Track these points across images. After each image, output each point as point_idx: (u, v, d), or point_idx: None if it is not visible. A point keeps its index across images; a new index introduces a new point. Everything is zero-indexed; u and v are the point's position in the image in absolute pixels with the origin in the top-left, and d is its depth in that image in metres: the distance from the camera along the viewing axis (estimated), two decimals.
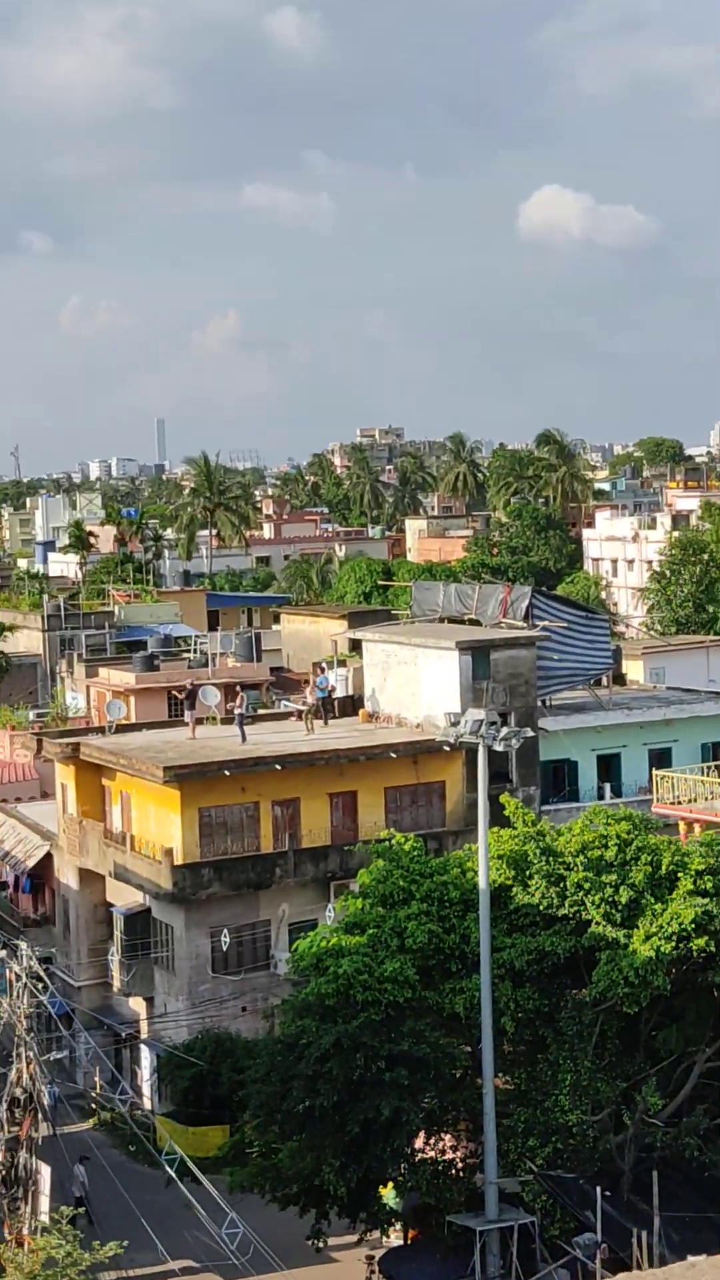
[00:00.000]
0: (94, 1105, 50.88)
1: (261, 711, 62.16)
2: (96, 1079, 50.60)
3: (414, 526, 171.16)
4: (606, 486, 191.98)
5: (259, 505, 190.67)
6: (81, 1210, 40.55)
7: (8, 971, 34.82)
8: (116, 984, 52.60)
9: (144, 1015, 52.10)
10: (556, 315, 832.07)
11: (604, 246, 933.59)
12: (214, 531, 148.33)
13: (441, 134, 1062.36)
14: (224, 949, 48.81)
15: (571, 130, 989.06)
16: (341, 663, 62.99)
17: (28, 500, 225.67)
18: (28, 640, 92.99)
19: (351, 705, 58.38)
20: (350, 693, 59.36)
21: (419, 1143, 36.41)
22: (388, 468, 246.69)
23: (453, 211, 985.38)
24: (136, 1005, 52.78)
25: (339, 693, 59.16)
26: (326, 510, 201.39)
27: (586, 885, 36.16)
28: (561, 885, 36.56)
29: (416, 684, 54.79)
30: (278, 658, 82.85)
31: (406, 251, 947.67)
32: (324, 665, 63.30)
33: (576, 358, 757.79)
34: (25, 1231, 30.71)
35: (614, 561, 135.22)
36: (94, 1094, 50.78)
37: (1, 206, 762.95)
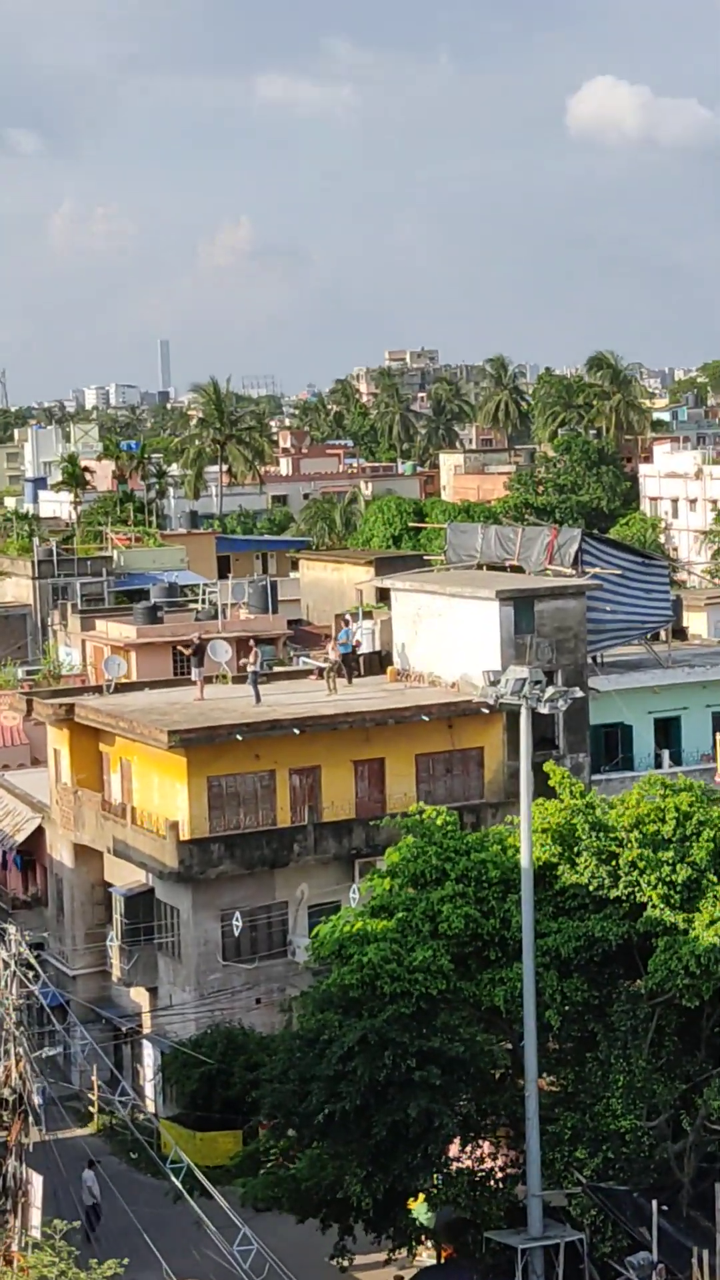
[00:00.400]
0: (91, 1108, 51.20)
1: (278, 669, 62.22)
2: (94, 1079, 50.91)
3: (449, 462, 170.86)
4: (666, 416, 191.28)
5: (275, 438, 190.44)
6: (76, 1224, 40.79)
7: None
8: (116, 973, 52.87)
9: (146, 1008, 52.38)
10: (610, 222, 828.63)
11: (663, 145, 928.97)
12: (224, 467, 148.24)
13: (479, 17, 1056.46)
14: (236, 934, 48.99)
15: (626, 13, 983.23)
16: (368, 614, 62.96)
17: (15, 432, 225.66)
18: (16, 589, 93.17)
19: (379, 662, 58.38)
20: (377, 648, 59.35)
21: (453, 1151, 36.56)
22: (420, 395, 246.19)
23: (492, 106, 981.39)
24: (138, 996, 53.06)
25: (365, 648, 59.17)
26: (351, 443, 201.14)
27: (642, 864, 36.13)
28: (614, 864, 36.55)
29: (452, 638, 54.74)
30: (296, 609, 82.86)
31: (440, 151, 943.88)
32: (348, 617, 63.22)
33: (632, 270, 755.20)
34: (15, 1248, 30.90)
35: (674, 501, 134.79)
36: (91, 1095, 51.10)
37: None
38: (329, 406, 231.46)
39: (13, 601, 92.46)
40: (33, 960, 33.82)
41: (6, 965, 32.82)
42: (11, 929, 34.26)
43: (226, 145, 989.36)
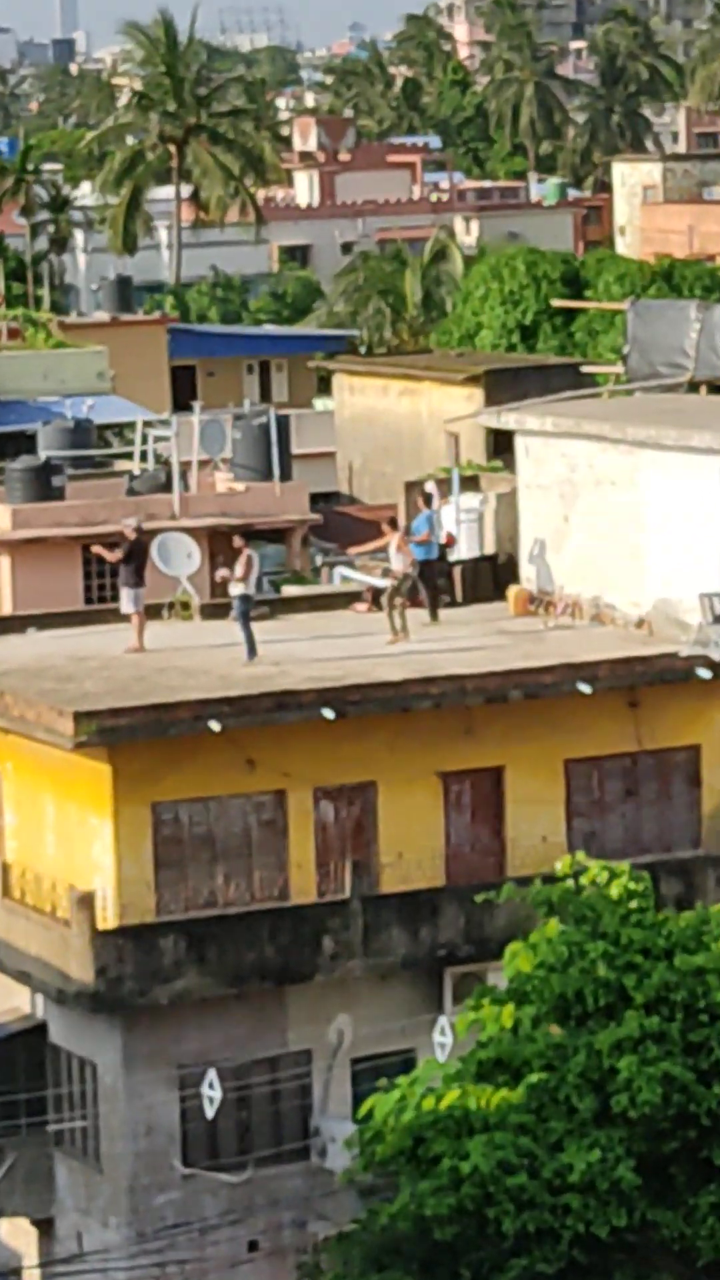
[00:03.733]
0: None
1: (291, 592, 62.32)
2: None
3: (634, 178, 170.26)
4: None
5: (285, 131, 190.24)
6: None
7: None
8: None
9: (31, 1258, 52.81)
10: None
11: None
12: (185, 191, 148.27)
13: None
14: (210, 1115, 49.16)
15: None
16: (470, 482, 62.99)
17: None
18: None
19: (492, 576, 58.49)
20: (488, 550, 59.43)
21: None
22: (574, 48, 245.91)
23: None
24: (17, 1236, 53.48)
25: (464, 550, 59.23)
26: (438, 143, 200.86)
27: None
28: None
29: (636, 531, 54.79)
30: (328, 470, 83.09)
31: None
32: (430, 489, 63.27)
33: None
34: None
35: None
36: None
37: None
38: (391, 69, 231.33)
39: None
40: None
41: None
42: None
43: None
